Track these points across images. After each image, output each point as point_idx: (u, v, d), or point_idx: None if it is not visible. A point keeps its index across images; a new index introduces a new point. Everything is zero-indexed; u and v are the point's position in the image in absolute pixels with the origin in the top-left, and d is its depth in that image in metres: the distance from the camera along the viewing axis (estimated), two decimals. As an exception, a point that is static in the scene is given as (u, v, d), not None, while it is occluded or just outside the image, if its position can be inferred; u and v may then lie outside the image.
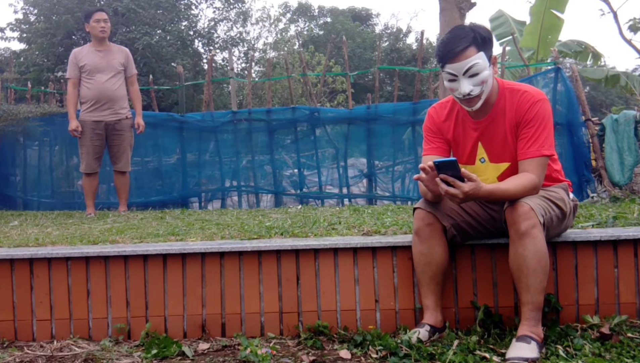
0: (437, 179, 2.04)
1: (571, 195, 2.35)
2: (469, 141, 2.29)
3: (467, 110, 2.24)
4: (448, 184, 2.02)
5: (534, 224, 2.02)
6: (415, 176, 2.13)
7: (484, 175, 2.23)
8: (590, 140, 5.41)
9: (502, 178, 2.24)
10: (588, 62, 10.55)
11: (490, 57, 2.18)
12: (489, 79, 2.16)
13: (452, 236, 2.25)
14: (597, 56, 10.31)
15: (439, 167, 2.01)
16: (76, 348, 2.23)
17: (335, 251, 2.39)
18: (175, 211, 4.98)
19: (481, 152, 2.29)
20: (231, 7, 21.96)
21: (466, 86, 2.13)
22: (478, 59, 2.12)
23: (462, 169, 2.01)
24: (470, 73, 2.12)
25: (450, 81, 2.17)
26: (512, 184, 2.10)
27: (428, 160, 2.28)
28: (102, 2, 17.75)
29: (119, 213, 4.77)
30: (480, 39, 2.14)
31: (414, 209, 2.28)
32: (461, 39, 2.12)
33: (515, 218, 2.04)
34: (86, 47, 5.01)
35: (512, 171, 2.22)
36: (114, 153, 4.98)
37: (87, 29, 4.98)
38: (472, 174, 2.02)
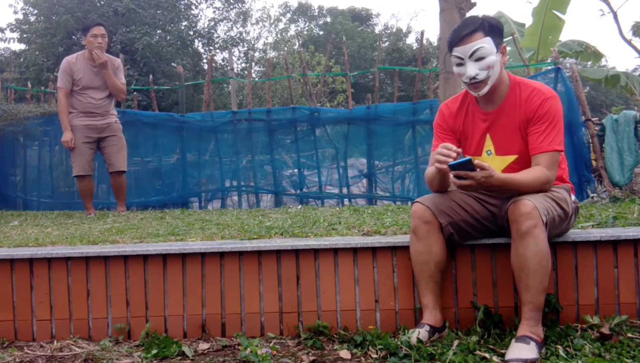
0: (451, 175, 2.10)
1: (573, 197, 2.35)
2: (477, 132, 2.33)
3: (476, 99, 2.30)
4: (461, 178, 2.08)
5: (535, 224, 2.02)
6: (437, 165, 2.14)
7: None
8: (590, 140, 5.41)
9: (507, 171, 2.26)
10: (589, 63, 10.54)
11: (498, 45, 2.23)
12: (496, 65, 2.21)
13: (449, 234, 2.25)
14: (598, 56, 10.30)
15: (454, 168, 2.07)
16: (76, 348, 2.23)
17: (335, 251, 2.39)
18: (175, 211, 4.98)
19: (488, 144, 2.32)
20: (231, 7, 21.98)
21: (472, 69, 2.19)
22: (484, 43, 2.18)
23: (475, 161, 2.06)
24: (476, 57, 2.18)
25: (458, 65, 2.24)
26: (525, 176, 2.14)
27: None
28: (102, 2, 17.75)
29: (118, 213, 4.76)
30: (488, 26, 2.21)
31: (413, 203, 2.30)
32: (469, 25, 2.21)
33: (517, 217, 2.04)
34: (80, 58, 4.80)
35: (519, 164, 2.25)
36: (108, 154, 4.85)
37: (84, 42, 4.80)
38: (485, 164, 2.06)
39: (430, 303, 2.25)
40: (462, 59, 2.21)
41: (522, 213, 2.03)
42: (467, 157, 2.11)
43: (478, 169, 2.05)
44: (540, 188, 2.14)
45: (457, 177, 2.07)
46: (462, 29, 2.22)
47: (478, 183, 2.05)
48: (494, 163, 2.28)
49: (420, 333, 2.14)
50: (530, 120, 2.22)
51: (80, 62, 4.78)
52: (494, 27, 2.22)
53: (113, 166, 4.86)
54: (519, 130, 2.24)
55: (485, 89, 2.23)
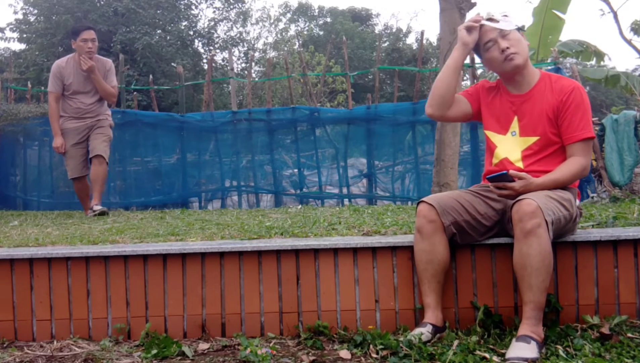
0: (492, 186, 2.25)
1: (578, 202, 2.37)
2: (505, 113, 2.44)
3: (506, 85, 2.44)
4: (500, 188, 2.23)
5: (539, 224, 2.02)
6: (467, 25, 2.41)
7: (510, 147, 2.39)
8: (591, 140, 5.40)
9: (527, 151, 2.36)
10: (592, 62, 10.51)
11: (520, 32, 2.41)
12: (521, 41, 2.38)
13: (451, 234, 2.26)
14: (599, 55, 10.27)
15: (492, 180, 2.23)
16: (76, 348, 2.23)
17: (335, 251, 2.38)
18: (175, 211, 4.98)
19: (514, 125, 2.41)
20: (231, 7, 21.99)
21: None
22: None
23: (512, 171, 2.21)
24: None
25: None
26: (561, 173, 2.27)
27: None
28: (102, 2, 17.75)
29: (91, 208, 4.54)
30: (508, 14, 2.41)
31: (419, 202, 2.32)
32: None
33: (521, 216, 2.05)
34: (70, 62, 4.73)
35: (538, 145, 2.35)
36: (90, 141, 4.70)
37: (74, 46, 4.68)
38: (521, 174, 2.20)
39: (432, 303, 2.25)
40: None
41: (527, 212, 2.04)
42: (504, 171, 2.23)
43: (516, 180, 2.19)
44: (579, 178, 2.33)
45: (497, 188, 2.22)
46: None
47: (517, 191, 2.18)
48: (516, 143, 2.40)
49: (423, 333, 2.14)
50: (560, 109, 2.32)
51: (71, 66, 4.70)
52: (512, 17, 2.40)
53: (93, 151, 4.66)
54: (545, 115, 2.34)
55: (519, 60, 2.34)
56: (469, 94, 2.54)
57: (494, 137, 2.45)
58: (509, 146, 2.39)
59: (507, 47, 2.33)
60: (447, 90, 2.44)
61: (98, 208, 4.46)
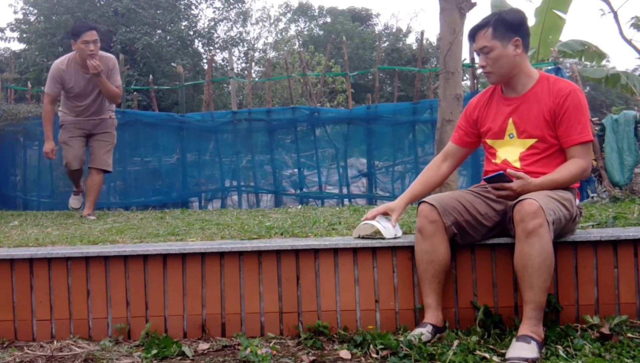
0: (490, 188, 2.27)
1: (577, 202, 2.37)
2: (500, 117, 2.44)
3: (501, 87, 2.46)
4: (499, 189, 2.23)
5: (541, 224, 2.03)
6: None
7: (510, 149, 2.39)
8: (590, 140, 5.40)
9: (526, 153, 2.35)
10: (593, 63, 10.50)
11: (507, 39, 2.32)
12: (502, 58, 2.32)
13: (452, 234, 2.26)
14: (600, 56, 10.27)
15: (490, 181, 2.24)
16: (76, 348, 2.23)
17: (335, 251, 2.38)
18: (175, 211, 4.98)
19: (511, 128, 2.41)
20: (231, 7, 22.00)
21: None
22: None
23: (509, 171, 2.22)
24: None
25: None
26: (561, 173, 2.27)
27: (451, 146, 2.60)
28: (102, 2, 17.75)
29: (82, 216, 4.38)
30: (495, 22, 2.33)
31: (420, 203, 2.32)
32: (479, 22, 2.39)
33: (523, 216, 2.05)
34: (71, 64, 4.43)
35: (538, 147, 2.34)
36: (93, 148, 4.55)
37: (74, 47, 4.36)
38: (519, 173, 2.21)
39: (433, 304, 2.25)
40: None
41: (529, 212, 2.04)
42: (500, 171, 2.23)
43: (514, 179, 2.19)
44: (579, 179, 2.34)
45: (495, 188, 2.22)
46: (473, 27, 2.41)
47: (515, 192, 2.18)
48: (515, 144, 2.39)
49: (423, 333, 2.14)
50: (557, 112, 2.30)
51: (72, 68, 4.42)
52: (500, 23, 2.33)
53: (95, 162, 4.53)
54: (542, 118, 2.33)
55: (494, 79, 2.40)
56: (459, 138, 2.57)
57: (494, 143, 2.45)
58: (509, 148, 2.40)
59: (484, 66, 2.38)
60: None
61: (91, 218, 4.27)
